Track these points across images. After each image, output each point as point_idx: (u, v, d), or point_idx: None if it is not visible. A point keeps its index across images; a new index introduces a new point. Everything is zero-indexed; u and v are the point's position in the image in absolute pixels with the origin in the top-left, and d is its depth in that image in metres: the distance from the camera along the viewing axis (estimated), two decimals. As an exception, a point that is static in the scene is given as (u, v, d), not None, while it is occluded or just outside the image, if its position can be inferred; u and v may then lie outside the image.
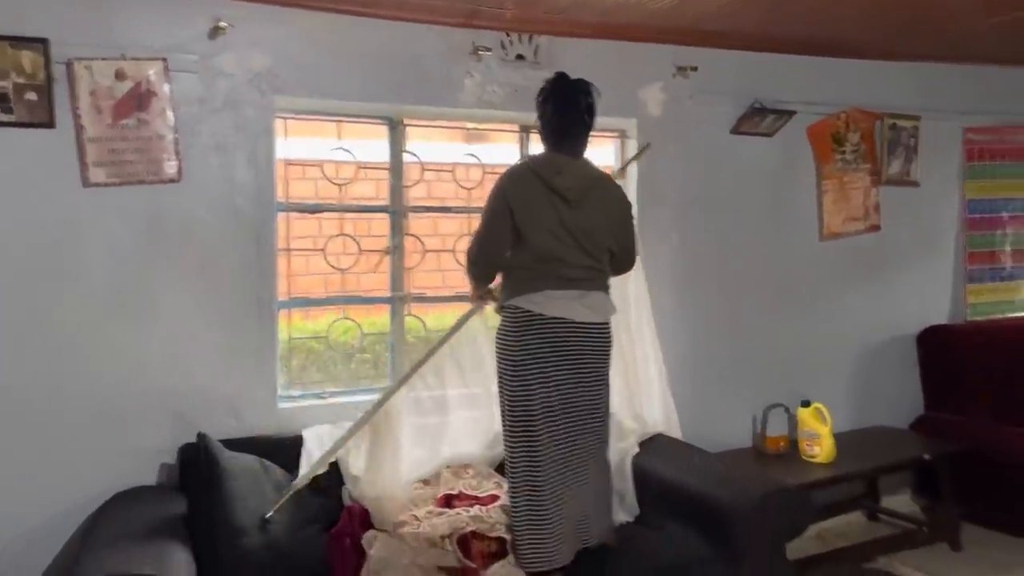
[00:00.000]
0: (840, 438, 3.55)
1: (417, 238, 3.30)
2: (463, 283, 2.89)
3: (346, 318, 3.24)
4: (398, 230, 3.23)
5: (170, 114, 2.71)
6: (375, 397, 2.99)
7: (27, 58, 2.51)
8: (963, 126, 4.25)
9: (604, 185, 2.60)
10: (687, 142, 3.58)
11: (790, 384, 3.77)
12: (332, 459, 2.67)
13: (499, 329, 2.57)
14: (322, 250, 3.18)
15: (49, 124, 2.57)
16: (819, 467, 3.44)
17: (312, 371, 3.32)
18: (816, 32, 3.49)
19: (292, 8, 2.87)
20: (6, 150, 2.55)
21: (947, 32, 3.52)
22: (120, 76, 2.64)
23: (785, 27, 3.40)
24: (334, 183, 3.19)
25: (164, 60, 2.68)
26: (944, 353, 4.11)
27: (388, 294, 3.25)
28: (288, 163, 3.09)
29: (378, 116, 3.19)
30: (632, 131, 3.52)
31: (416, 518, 2.59)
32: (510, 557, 2.46)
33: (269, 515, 2.43)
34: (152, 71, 2.67)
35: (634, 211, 2.74)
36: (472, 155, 3.41)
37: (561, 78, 2.56)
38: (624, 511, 2.83)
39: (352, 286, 3.30)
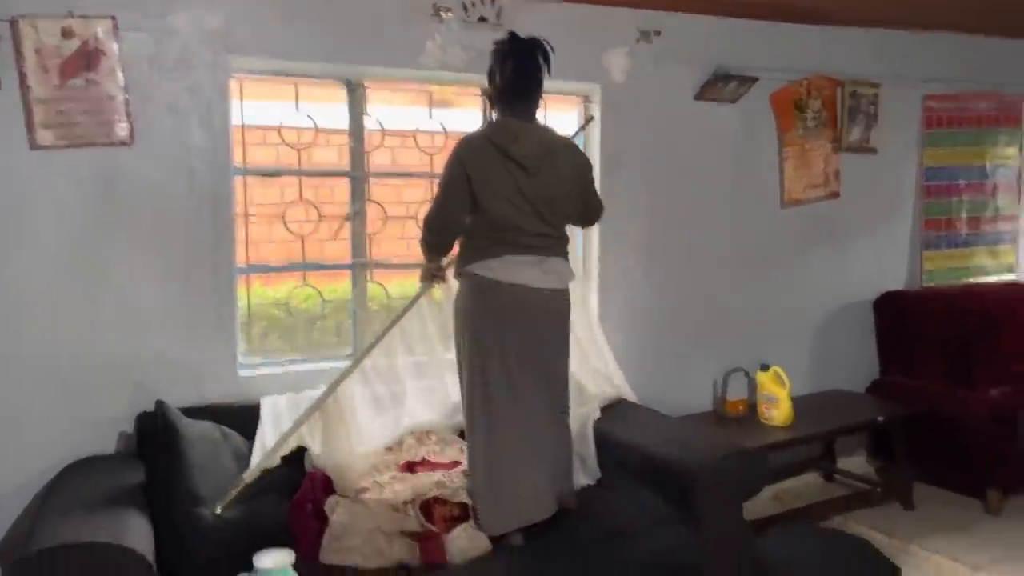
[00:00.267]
0: (798, 401, 3.62)
1: (380, 205, 3.26)
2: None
3: (307, 285, 3.20)
4: (359, 195, 3.19)
5: (120, 74, 2.63)
6: (336, 365, 2.98)
7: (-32, 16, 2.41)
8: (923, 93, 4.29)
9: (561, 150, 2.58)
10: (650, 108, 3.56)
11: (750, 349, 3.83)
12: (285, 452, 2.56)
13: (457, 296, 2.56)
14: (282, 217, 3.13)
15: (-7, 84, 2.48)
16: (777, 430, 3.51)
17: (273, 338, 3.29)
18: (779, -3, 3.47)
19: (246, -35, 2.79)
20: (-53, 111, 2.46)
21: (909, -2, 3.53)
22: (67, 34, 2.55)
23: (749, -9, 3.39)
24: (294, 148, 3.13)
25: (113, 18, 2.60)
26: (899, 318, 4.19)
27: (349, 261, 3.22)
28: (247, 128, 3.02)
29: (336, 77, 3.12)
30: (595, 96, 3.49)
31: (379, 484, 2.59)
32: (471, 521, 2.47)
33: (219, 510, 2.34)
34: (100, 29, 2.58)
35: (596, 173, 2.71)
36: (435, 120, 3.36)
37: (516, 37, 2.52)
38: (585, 474, 2.85)
39: (315, 253, 3.26)
